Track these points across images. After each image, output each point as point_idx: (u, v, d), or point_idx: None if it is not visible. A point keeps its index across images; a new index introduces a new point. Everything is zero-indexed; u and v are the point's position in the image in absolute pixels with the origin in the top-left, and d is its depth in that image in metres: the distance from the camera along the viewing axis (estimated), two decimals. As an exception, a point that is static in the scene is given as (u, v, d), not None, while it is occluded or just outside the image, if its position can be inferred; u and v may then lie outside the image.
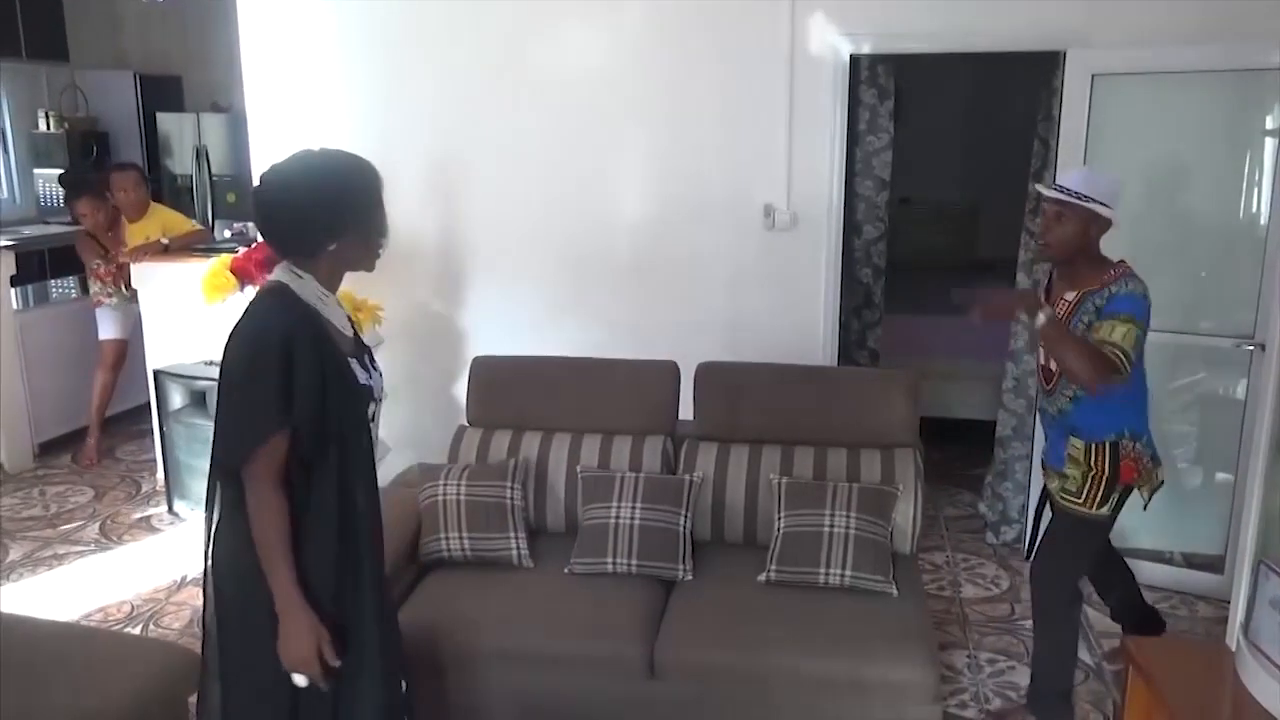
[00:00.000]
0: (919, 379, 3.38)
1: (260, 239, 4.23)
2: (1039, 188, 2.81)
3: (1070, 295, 2.77)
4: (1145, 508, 2.89)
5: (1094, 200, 2.65)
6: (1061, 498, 2.89)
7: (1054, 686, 2.98)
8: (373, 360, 2.20)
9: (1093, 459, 2.79)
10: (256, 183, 2.05)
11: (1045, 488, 3.13)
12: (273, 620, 1.96)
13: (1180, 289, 3.88)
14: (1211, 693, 2.20)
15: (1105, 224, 2.70)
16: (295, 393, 1.93)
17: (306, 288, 2.03)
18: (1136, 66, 3.73)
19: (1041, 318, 2.60)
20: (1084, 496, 2.82)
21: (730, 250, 4.35)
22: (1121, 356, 2.57)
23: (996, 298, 2.85)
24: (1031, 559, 3.07)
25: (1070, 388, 2.79)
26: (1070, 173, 2.79)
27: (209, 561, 2.07)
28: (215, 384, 4.39)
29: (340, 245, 2.03)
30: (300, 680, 1.97)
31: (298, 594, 1.95)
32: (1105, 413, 2.77)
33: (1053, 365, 2.84)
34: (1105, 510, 2.81)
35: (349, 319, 2.16)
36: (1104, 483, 2.78)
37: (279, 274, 2.05)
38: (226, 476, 2.03)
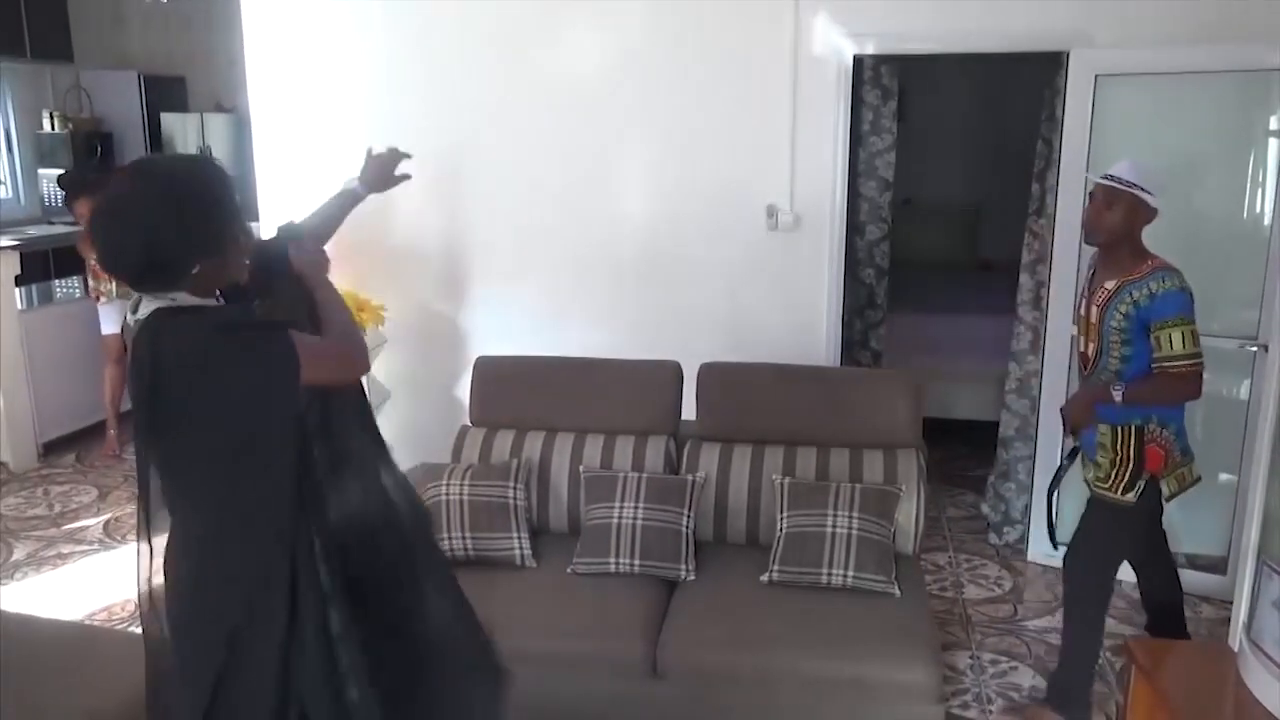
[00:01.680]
0: (922, 379, 3.39)
1: None
2: (1089, 175, 2.92)
3: (1110, 284, 2.84)
4: (1167, 499, 2.89)
5: (1140, 188, 2.75)
6: (1093, 485, 2.94)
7: (1077, 677, 3.00)
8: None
9: (1118, 444, 2.83)
10: (91, 215, 1.81)
11: (1051, 485, 3.19)
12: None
13: (1183, 289, 3.88)
14: (1214, 693, 2.20)
15: (1151, 212, 2.79)
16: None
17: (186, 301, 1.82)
18: (1140, 67, 3.73)
19: (1117, 397, 2.76)
20: (1110, 482, 2.86)
21: (733, 251, 4.35)
22: (1189, 362, 2.69)
23: (1076, 411, 2.94)
24: (1066, 554, 3.10)
25: (1107, 375, 2.85)
26: (1119, 163, 2.88)
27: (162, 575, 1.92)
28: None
29: (203, 265, 1.79)
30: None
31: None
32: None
33: (1089, 351, 2.92)
34: (1131, 497, 2.82)
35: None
36: (1129, 469, 2.81)
37: (151, 301, 1.79)
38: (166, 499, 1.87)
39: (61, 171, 6.82)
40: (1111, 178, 2.80)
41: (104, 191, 1.80)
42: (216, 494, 1.85)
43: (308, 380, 1.80)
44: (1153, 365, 2.75)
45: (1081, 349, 2.99)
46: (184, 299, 1.80)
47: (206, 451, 1.81)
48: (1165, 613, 3.15)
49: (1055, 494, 3.24)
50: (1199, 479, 2.93)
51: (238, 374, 1.76)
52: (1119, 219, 2.79)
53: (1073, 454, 3.10)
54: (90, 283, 5.41)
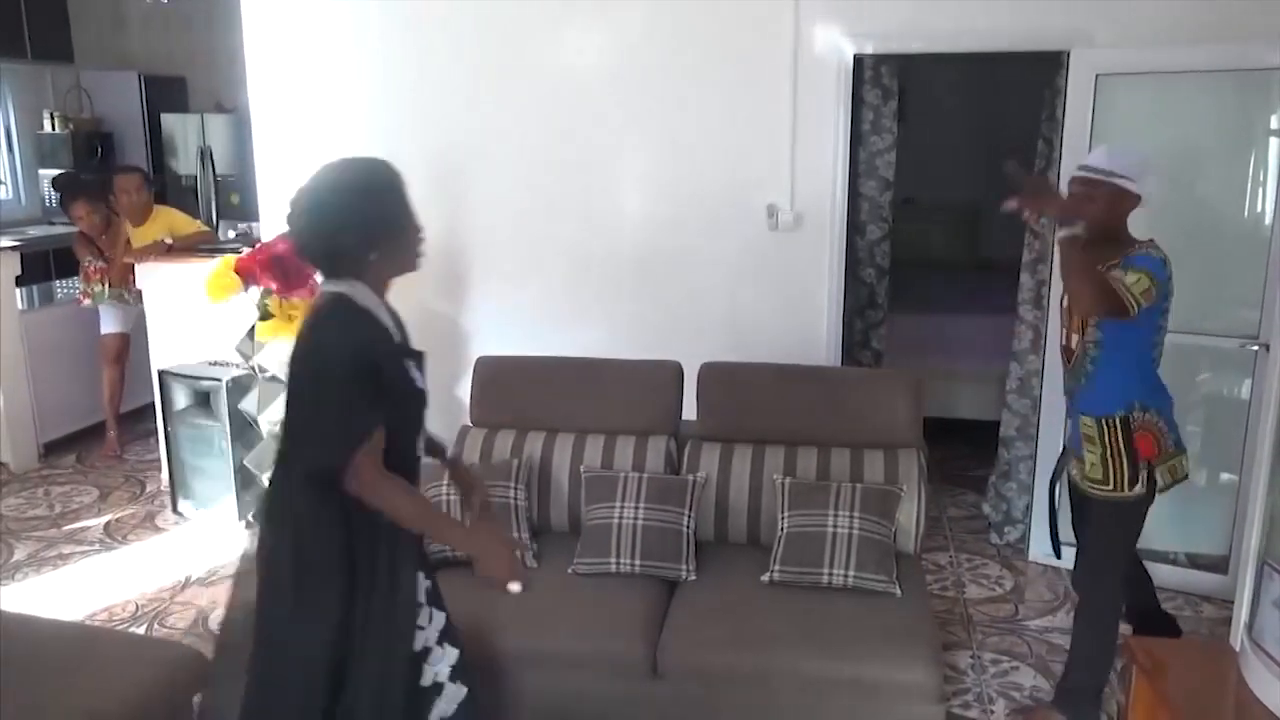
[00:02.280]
0: (922, 379, 3.38)
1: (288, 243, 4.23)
2: (1074, 170, 2.81)
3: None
4: (1161, 490, 2.83)
5: (1119, 176, 2.66)
6: (1091, 488, 2.86)
7: (1088, 684, 2.94)
8: (423, 364, 2.19)
9: (1106, 435, 2.78)
10: (286, 210, 2.07)
11: (1053, 477, 3.16)
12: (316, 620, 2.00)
13: (1184, 289, 3.84)
14: (1216, 693, 2.19)
15: (1134, 200, 2.70)
16: (383, 390, 1.99)
17: (363, 295, 2.04)
18: (1140, 66, 3.73)
19: (1066, 231, 2.61)
20: (1111, 480, 2.80)
21: (734, 250, 4.35)
22: (1130, 296, 2.58)
23: (1038, 187, 2.79)
24: (1075, 566, 3.06)
25: (1085, 364, 2.80)
26: (1096, 150, 2.80)
27: (265, 564, 2.07)
28: (216, 385, 4.41)
29: (380, 254, 2.04)
30: (515, 588, 2.11)
31: (469, 528, 2.26)
32: (1110, 387, 2.78)
33: (1072, 343, 2.86)
34: (1139, 489, 2.77)
35: (399, 323, 2.16)
36: (1124, 460, 2.76)
37: (332, 285, 2.05)
38: (307, 482, 2.02)
39: (59, 172, 6.84)
40: (1088, 168, 2.71)
41: (300, 186, 2.04)
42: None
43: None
44: (1106, 271, 2.65)
45: (1064, 341, 2.94)
46: (360, 291, 2.02)
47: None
48: (1145, 609, 3.15)
49: (1058, 488, 3.20)
50: (1186, 475, 2.88)
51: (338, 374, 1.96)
52: (1100, 211, 2.68)
53: (1064, 452, 3.08)
54: (81, 285, 5.39)
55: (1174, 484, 2.86)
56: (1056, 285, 3.93)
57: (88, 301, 5.34)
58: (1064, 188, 3.76)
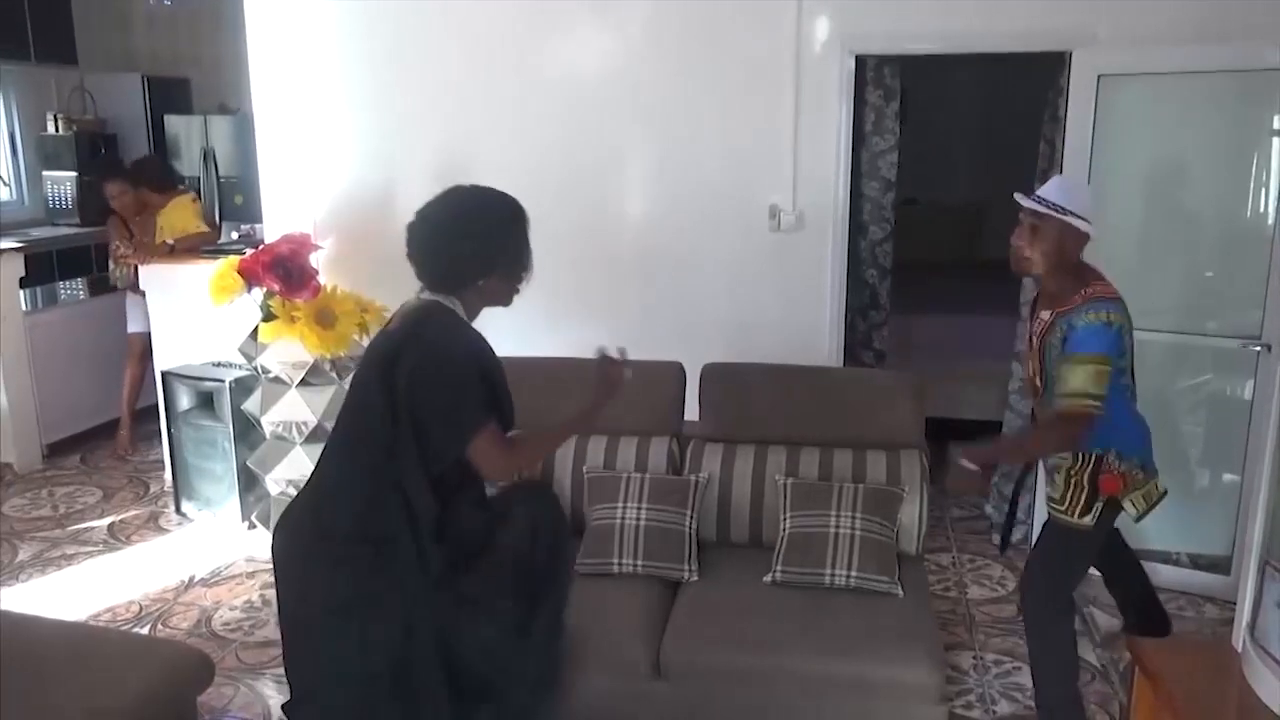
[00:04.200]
0: (925, 380, 3.39)
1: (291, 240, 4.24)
2: (1017, 197, 2.73)
3: (1046, 314, 2.73)
4: (1137, 520, 2.81)
5: (1071, 213, 2.58)
6: (1049, 505, 2.85)
7: (1056, 698, 2.89)
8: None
9: (1075, 468, 2.73)
10: (412, 219, 2.16)
11: (1017, 483, 3.16)
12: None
13: (1186, 289, 3.88)
14: (1217, 694, 2.19)
15: (1083, 238, 2.63)
16: (498, 395, 2.17)
17: (459, 310, 2.19)
18: (1142, 67, 3.73)
19: (969, 465, 2.65)
20: (1066, 504, 2.76)
21: (736, 251, 4.35)
22: (1087, 402, 2.53)
23: (959, 483, 2.81)
24: (1022, 576, 3.03)
25: (1051, 401, 2.73)
26: (1049, 183, 2.73)
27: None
28: (220, 386, 4.42)
29: (488, 281, 2.17)
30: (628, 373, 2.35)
31: (584, 412, 2.43)
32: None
33: (1038, 379, 2.82)
34: (1088, 520, 2.73)
35: None
36: (1084, 490, 2.72)
37: (435, 296, 2.17)
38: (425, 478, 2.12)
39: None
40: (1040, 199, 2.63)
41: (429, 204, 2.18)
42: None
43: (468, 456, 2.13)
44: (1054, 399, 2.60)
45: (1028, 374, 2.89)
46: (459, 307, 2.17)
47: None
48: (1144, 612, 3.13)
49: (1020, 497, 3.17)
50: (1165, 493, 2.82)
51: (431, 390, 2.09)
52: (1049, 246, 2.62)
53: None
54: (111, 269, 5.42)
55: (1151, 508, 2.80)
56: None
57: (119, 281, 5.36)
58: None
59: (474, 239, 2.12)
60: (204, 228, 5.51)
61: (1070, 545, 2.81)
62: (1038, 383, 2.83)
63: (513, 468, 2.14)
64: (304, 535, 2.22)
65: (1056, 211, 2.59)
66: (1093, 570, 3.12)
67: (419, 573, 2.12)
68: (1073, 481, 2.74)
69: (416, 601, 2.13)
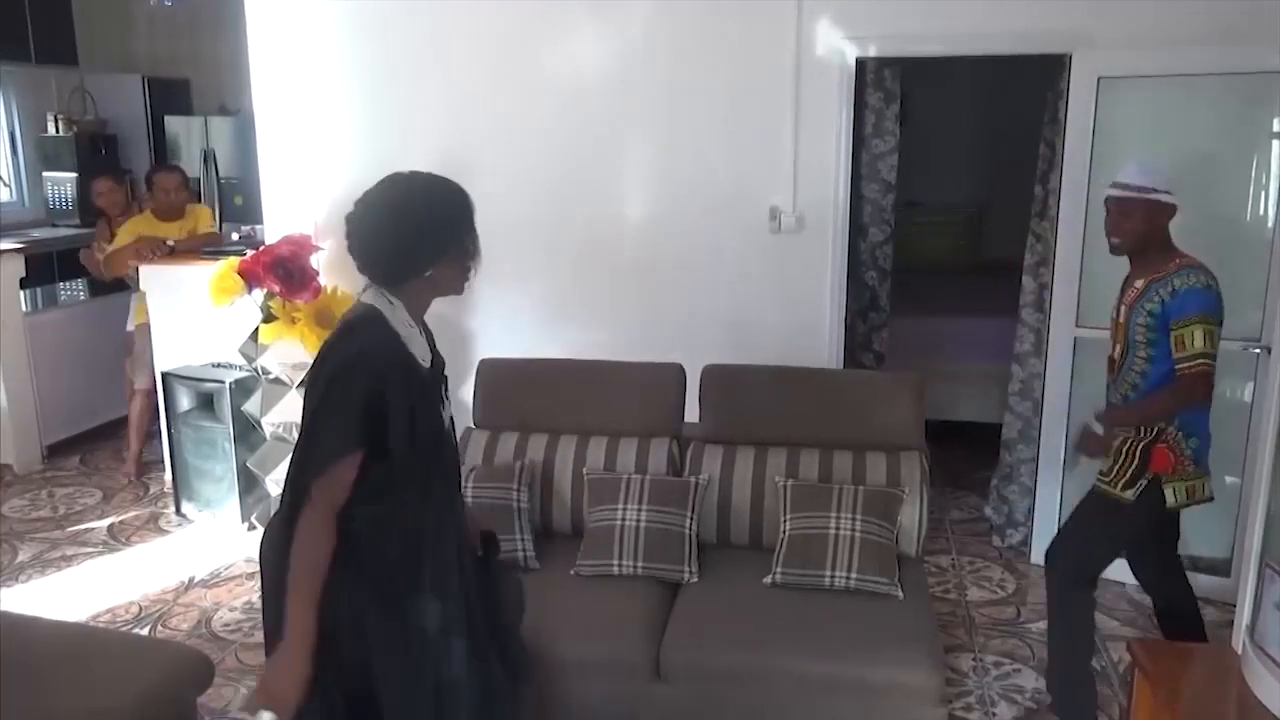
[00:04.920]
0: (925, 381, 3.38)
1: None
2: (1106, 189, 2.87)
3: (1139, 283, 2.82)
4: (1171, 507, 2.80)
5: (1154, 190, 2.73)
6: (1098, 478, 2.89)
7: (1075, 679, 2.93)
8: (447, 389, 2.20)
9: (1133, 436, 2.79)
10: (350, 210, 2.05)
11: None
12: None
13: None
14: (1217, 696, 2.20)
15: (1170, 211, 2.77)
16: (389, 419, 1.95)
17: (397, 315, 2.04)
18: (1142, 69, 3.73)
19: (1098, 429, 2.78)
20: (1112, 475, 2.82)
21: (736, 253, 4.36)
22: (1206, 361, 2.64)
23: (1088, 445, 2.90)
24: (1050, 546, 3.06)
25: (1131, 376, 2.83)
26: (1126, 168, 2.84)
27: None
28: (220, 387, 4.42)
29: (435, 271, 2.05)
30: (266, 717, 1.88)
31: (313, 634, 1.90)
32: None
33: (1116, 354, 2.90)
34: (1130, 494, 2.78)
35: (432, 344, 2.16)
36: (1133, 465, 2.77)
37: (371, 298, 2.05)
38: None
39: (74, 174, 6.88)
40: (1121, 185, 2.77)
41: (368, 193, 2.05)
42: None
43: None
44: (1175, 368, 2.69)
45: (1110, 352, 2.95)
46: (397, 311, 2.03)
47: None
48: (1182, 626, 3.08)
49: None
50: (1210, 498, 2.86)
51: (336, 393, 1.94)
52: (1139, 225, 2.77)
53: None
54: (82, 253, 5.41)
55: (1191, 504, 2.84)
56: (1060, 288, 3.94)
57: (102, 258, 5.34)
58: (1064, 197, 3.77)
59: (419, 226, 2.01)
60: (213, 230, 5.52)
61: (1105, 517, 2.85)
62: (1116, 355, 2.89)
63: (306, 521, 1.91)
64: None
65: (1140, 193, 2.73)
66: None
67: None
68: (1125, 451, 2.79)
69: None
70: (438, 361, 2.17)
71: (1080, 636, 2.93)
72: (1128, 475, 2.79)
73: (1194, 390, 2.68)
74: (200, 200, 7.18)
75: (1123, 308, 2.86)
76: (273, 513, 4.33)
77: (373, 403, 1.94)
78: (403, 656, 2.02)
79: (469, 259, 2.10)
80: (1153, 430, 2.77)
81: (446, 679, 2.05)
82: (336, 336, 2.05)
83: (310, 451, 1.96)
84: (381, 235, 2.02)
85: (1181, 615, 3.08)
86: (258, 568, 4.11)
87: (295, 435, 4.13)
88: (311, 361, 2.08)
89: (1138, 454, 2.78)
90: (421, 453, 2.03)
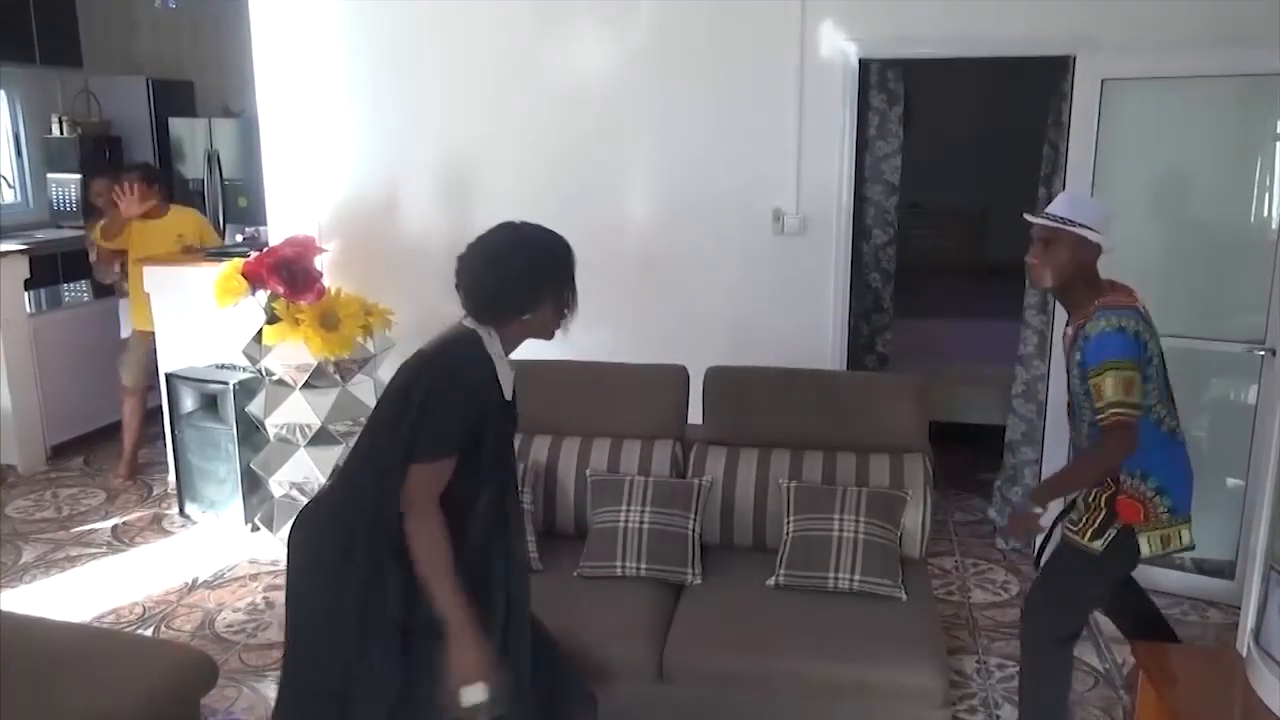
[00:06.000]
0: (928, 383, 3.39)
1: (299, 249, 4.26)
2: (1026, 217, 2.73)
3: (1069, 330, 2.70)
4: (1146, 559, 2.64)
5: (1080, 225, 2.57)
6: (1064, 526, 2.74)
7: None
8: (515, 421, 2.39)
9: (1095, 488, 2.64)
10: (463, 250, 2.20)
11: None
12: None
13: (1190, 294, 3.87)
14: (1222, 699, 2.20)
15: (1095, 249, 2.61)
16: (483, 435, 2.13)
17: (493, 345, 2.19)
18: (1146, 71, 3.73)
19: (1037, 510, 2.73)
20: (1080, 524, 2.66)
21: (739, 254, 4.36)
22: (1120, 410, 2.44)
23: (1017, 530, 2.90)
24: (1027, 596, 2.92)
25: (1083, 427, 2.68)
26: (1058, 199, 2.73)
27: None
28: (224, 388, 4.43)
29: (534, 315, 2.21)
30: (475, 695, 2.02)
31: (468, 607, 2.06)
32: None
33: (1069, 403, 2.77)
34: (1098, 544, 2.61)
35: (510, 379, 2.29)
36: (1100, 514, 2.62)
37: (473, 325, 2.20)
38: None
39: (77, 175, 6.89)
40: (1049, 215, 2.63)
41: (481, 236, 2.22)
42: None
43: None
44: (1095, 419, 2.53)
45: (1067, 398, 2.80)
46: (494, 341, 2.19)
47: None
48: (1146, 623, 2.96)
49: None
50: (1191, 546, 2.66)
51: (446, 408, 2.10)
52: (1063, 260, 2.58)
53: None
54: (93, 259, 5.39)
55: (1169, 553, 2.69)
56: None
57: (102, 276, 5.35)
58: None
59: (522, 272, 2.18)
60: (218, 240, 5.53)
61: (1076, 570, 2.69)
62: (1069, 405, 2.76)
63: (414, 515, 2.05)
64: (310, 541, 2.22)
65: (1065, 225, 2.59)
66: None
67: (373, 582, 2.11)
68: (1091, 503, 2.64)
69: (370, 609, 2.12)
70: (515, 399, 2.33)
71: (1054, 703, 2.77)
72: (1095, 525, 2.63)
73: (1113, 443, 2.48)
74: (204, 202, 7.21)
75: (1067, 357, 2.72)
76: (276, 512, 4.34)
77: (471, 416, 2.11)
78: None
79: (565, 308, 2.27)
80: (1111, 481, 2.61)
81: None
82: (435, 348, 2.19)
83: (420, 440, 2.07)
84: (487, 277, 2.17)
85: (1149, 621, 2.96)
86: (262, 569, 4.15)
87: (299, 436, 4.18)
88: (399, 369, 2.20)
89: (1103, 503, 2.62)
90: (484, 476, 2.17)
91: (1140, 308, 2.60)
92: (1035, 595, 2.84)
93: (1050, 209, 2.67)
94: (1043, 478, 4.11)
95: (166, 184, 5.68)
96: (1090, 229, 2.57)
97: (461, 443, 2.10)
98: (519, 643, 2.25)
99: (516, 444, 3.35)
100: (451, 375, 2.12)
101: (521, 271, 2.18)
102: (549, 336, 2.29)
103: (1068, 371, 2.71)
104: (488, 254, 2.19)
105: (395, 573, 2.08)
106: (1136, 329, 2.52)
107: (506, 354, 2.24)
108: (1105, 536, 2.61)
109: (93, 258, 5.39)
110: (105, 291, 5.83)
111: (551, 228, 2.29)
